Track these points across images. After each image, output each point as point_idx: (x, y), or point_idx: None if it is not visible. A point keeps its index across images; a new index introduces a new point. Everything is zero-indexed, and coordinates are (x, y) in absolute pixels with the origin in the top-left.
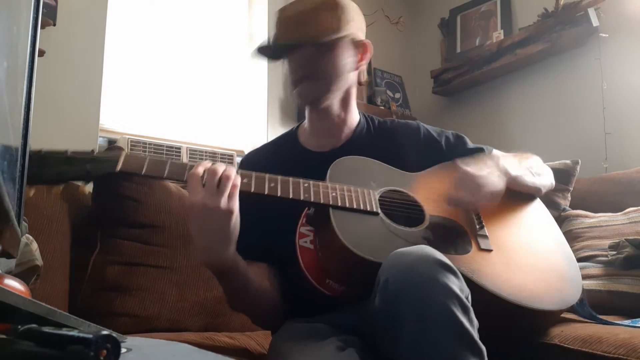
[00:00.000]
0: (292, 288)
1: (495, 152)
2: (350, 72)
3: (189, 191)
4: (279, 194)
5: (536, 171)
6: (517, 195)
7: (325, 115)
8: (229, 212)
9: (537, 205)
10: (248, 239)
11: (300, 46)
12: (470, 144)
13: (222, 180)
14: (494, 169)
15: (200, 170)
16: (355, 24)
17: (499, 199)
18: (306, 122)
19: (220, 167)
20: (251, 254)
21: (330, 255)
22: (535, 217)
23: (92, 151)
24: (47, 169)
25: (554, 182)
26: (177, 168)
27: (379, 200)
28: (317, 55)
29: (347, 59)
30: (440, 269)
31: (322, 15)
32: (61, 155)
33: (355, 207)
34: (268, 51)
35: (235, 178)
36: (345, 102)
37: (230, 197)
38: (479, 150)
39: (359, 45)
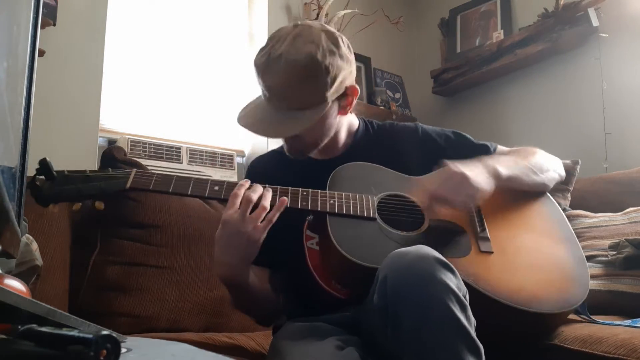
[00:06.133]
0: (301, 289)
1: (500, 148)
2: (337, 119)
3: (227, 207)
4: (276, 203)
5: (539, 168)
6: (523, 192)
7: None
8: (256, 240)
9: (546, 202)
10: None
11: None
12: (475, 141)
13: (258, 210)
14: (484, 169)
15: (241, 191)
16: (342, 76)
17: (483, 199)
18: None
19: (257, 195)
20: (256, 260)
21: (330, 260)
22: (543, 214)
23: (108, 169)
24: (68, 186)
25: (563, 174)
26: (181, 184)
27: (379, 205)
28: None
29: (333, 114)
30: (438, 266)
31: (303, 90)
32: (81, 174)
33: (352, 213)
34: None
35: (271, 214)
36: (336, 134)
37: (260, 229)
38: (484, 147)
39: (347, 94)
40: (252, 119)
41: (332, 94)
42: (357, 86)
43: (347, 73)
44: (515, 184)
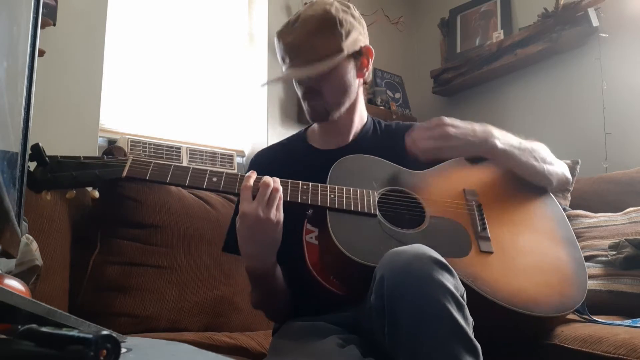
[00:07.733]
0: (300, 284)
1: None
2: (356, 80)
3: (242, 201)
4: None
5: (540, 155)
6: (526, 192)
7: (334, 121)
8: (278, 222)
9: (547, 201)
10: None
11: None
12: None
13: (272, 193)
14: (475, 126)
15: (251, 182)
16: (356, 33)
17: (463, 151)
18: (315, 124)
19: (270, 180)
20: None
21: (328, 256)
22: (544, 214)
23: (103, 157)
24: (61, 173)
25: (568, 175)
26: (179, 174)
27: (380, 200)
28: (320, 78)
29: (351, 71)
30: (435, 266)
31: (320, 39)
32: (75, 160)
33: (352, 209)
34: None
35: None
36: (353, 106)
37: (277, 208)
38: None
39: (362, 53)
40: (273, 75)
41: (347, 46)
42: (371, 47)
43: (360, 33)
44: (510, 159)
